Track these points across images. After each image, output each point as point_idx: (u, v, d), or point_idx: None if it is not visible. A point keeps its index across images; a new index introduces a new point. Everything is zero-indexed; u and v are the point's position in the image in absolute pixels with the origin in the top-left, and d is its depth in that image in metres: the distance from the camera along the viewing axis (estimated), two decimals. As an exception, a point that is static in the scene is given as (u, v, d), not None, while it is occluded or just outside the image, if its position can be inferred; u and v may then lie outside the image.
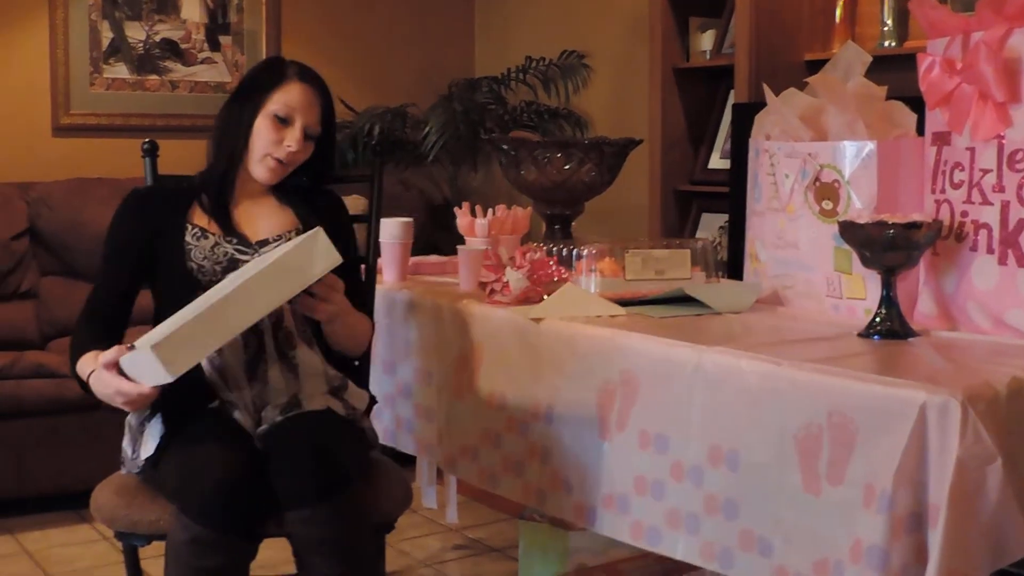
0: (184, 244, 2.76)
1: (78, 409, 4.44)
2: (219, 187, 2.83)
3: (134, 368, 2.45)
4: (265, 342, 2.74)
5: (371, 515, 2.70)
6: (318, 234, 2.53)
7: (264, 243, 2.80)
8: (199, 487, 2.46)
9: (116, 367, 2.48)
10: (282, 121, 2.78)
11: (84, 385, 2.62)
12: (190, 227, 2.79)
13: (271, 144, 2.78)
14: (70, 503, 4.42)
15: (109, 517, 2.75)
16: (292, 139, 2.78)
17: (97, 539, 4.21)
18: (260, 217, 2.86)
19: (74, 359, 2.67)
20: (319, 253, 2.51)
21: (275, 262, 2.48)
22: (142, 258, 2.79)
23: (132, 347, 2.47)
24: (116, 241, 2.84)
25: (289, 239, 2.79)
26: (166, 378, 2.39)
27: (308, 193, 2.92)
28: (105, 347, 2.58)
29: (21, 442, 4.39)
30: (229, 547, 2.51)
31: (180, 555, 2.50)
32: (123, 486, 2.79)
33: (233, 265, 2.75)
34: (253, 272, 2.49)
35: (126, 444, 2.80)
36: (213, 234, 2.79)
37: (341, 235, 2.86)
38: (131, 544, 2.80)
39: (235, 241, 2.79)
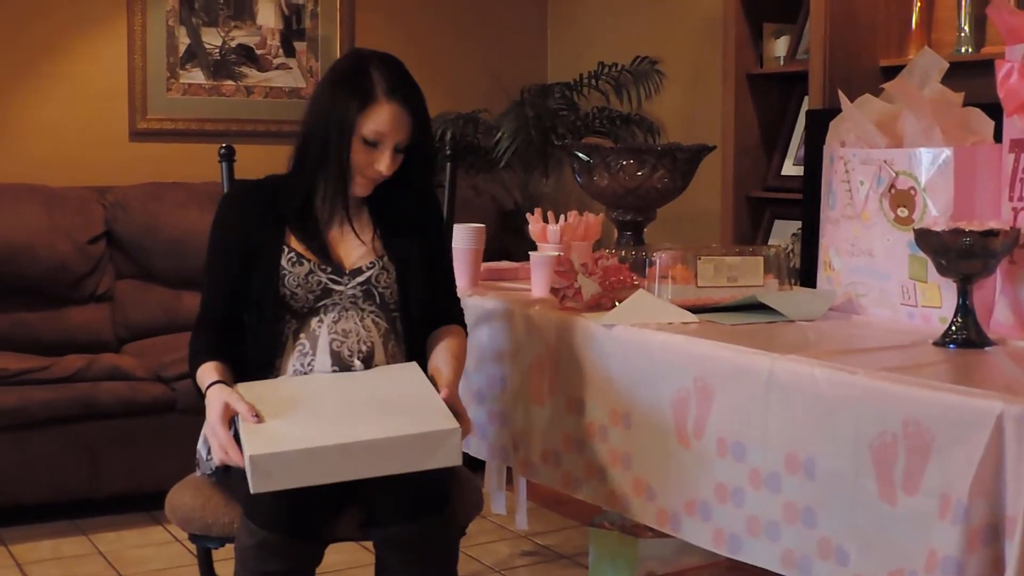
0: (279, 269, 2.73)
1: (152, 411, 4.50)
2: (309, 211, 2.79)
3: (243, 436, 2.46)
4: (355, 368, 2.72)
5: (457, 529, 2.74)
6: (453, 434, 2.44)
7: (357, 272, 2.76)
8: (267, 492, 2.45)
9: (233, 416, 2.53)
10: (372, 144, 2.70)
11: (201, 394, 2.66)
12: (286, 250, 2.74)
13: (361, 166, 2.71)
14: (144, 504, 4.47)
15: (183, 519, 2.77)
16: (383, 163, 2.70)
17: (170, 541, 4.25)
18: (353, 240, 2.80)
19: (192, 366, 2.71)
20: (446, 449, 2.43)
21: (399, 438, 2.43)
22: (243, 264, 2.76)
23: (257, 416, 2.48)
24: (215, 249, 2.81)
25: (382, 266, 2.78)
26: (250, 486, 2.39)
27: (403, 198, 2.84)
28: (221, 355, 2.67)
29: (96, 443, 4.44)
30: (295, 552, 2.53)
31: (246, 559, 2.52)
32: (198, 489, 2.81)
33: (327, 294, 2.74)
34: (372, 432, 2.43)
35: (201, 445, 2.82)
36: (308, 260, 2.74)
37: (434, 236, 2.89)
38: (205, 547, 2.82)
39: (329, 270, 2.75)
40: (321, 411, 2.55)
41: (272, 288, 2.73)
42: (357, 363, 2.70)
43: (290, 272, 2.73)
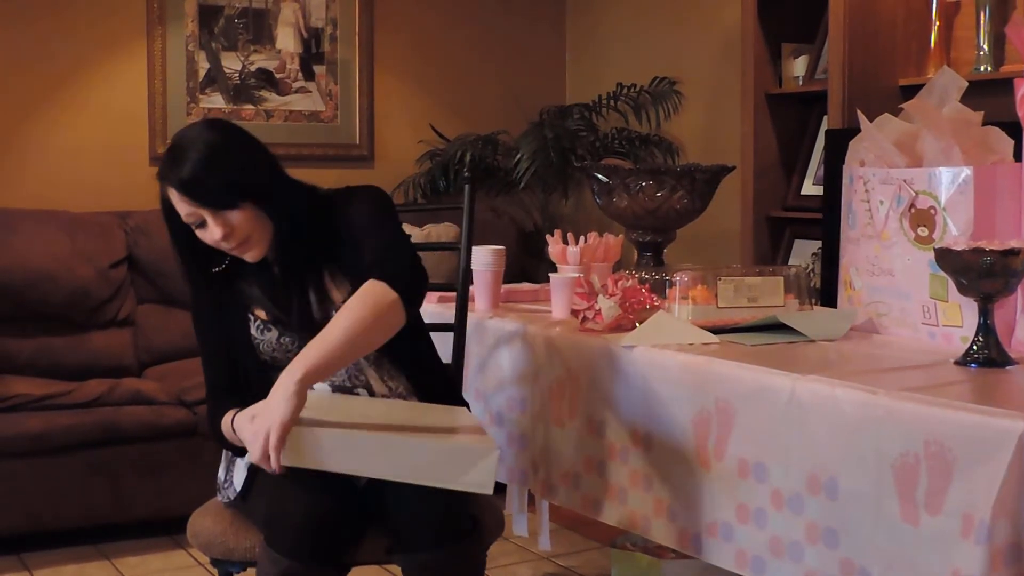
0: (252, 339, 2.72)
1: (175, 435, 4.50)
2: (267, 276, 2.72)
3: None
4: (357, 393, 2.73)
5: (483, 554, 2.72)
6: (491, 454, 2.40)
7: (327, 318, 2.59)
8: (287, 519, 2.46)
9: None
10: (198, 226, 2.62)
11: (233, 446, 2.64)
12: (253, 319, 2.72)
13: (212, 244, 2.63)
14: (167, 529, 4.47)
15: (206, 543, 2.78)
16: (213, 237, 2.60)
17: (193, 565, 4.26)
18: (314, 291, 2.71)
19: (217, 426, 2.65)
20: (479, 470, 2.39)
21: (435, 445, 2.43)
22: (227, 337, 2.75)
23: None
24: (200, 330, 2.79)
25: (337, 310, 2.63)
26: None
27: (304, 239, 2.69)
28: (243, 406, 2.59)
29: (119, 468, 4.45)
30: None
31: (268, 587, 2.52)
32: (220, 513, 2.81)
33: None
34: (410, 434, 2.44)
35: (221, 472, 2.82)
36: (274, 325, 2.71)
37: (348, 245, 2.69)
38: (227, 571, 2.82)
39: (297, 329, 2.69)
40: (362, 414, 2.56)
41: (252, 357, 2.72)
42: (359, 389, 2.71)
43: (262, 339, 2.72)
